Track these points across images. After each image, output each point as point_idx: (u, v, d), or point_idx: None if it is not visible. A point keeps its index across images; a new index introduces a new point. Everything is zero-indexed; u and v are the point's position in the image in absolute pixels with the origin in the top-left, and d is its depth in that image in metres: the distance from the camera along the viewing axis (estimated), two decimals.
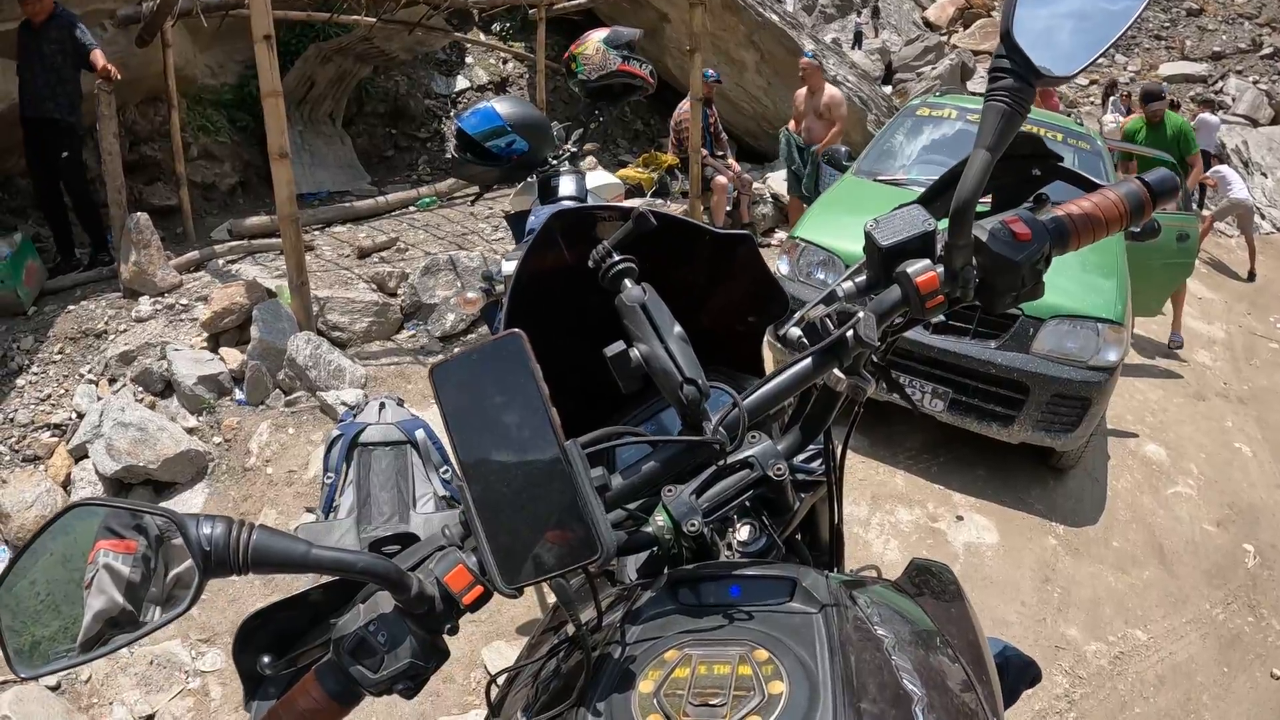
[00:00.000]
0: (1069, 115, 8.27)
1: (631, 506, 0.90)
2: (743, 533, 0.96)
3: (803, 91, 7.57)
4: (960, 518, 4.16)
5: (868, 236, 0.93)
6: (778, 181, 8.81)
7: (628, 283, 0.95)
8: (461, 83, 9.93)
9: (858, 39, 16.47)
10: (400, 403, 3.69)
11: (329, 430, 3.76)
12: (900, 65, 16.10)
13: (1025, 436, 4.19)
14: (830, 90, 7.63)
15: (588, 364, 1.10)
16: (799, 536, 1.22)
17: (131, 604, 0.66)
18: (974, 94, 7.14)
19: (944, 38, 19.03)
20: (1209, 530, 4.54)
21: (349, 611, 0.77)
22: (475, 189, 4.00)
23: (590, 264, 0.97)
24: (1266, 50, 27.52)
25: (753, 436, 0.93)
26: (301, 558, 0.67)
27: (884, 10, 18.11)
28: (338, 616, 0.78)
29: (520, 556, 0.69)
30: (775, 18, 9.54)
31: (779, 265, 4.61)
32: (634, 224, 0.95)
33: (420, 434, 3.49)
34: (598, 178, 3.97)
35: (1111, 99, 14.67)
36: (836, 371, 0.91)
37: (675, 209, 7.50)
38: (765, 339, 1.32)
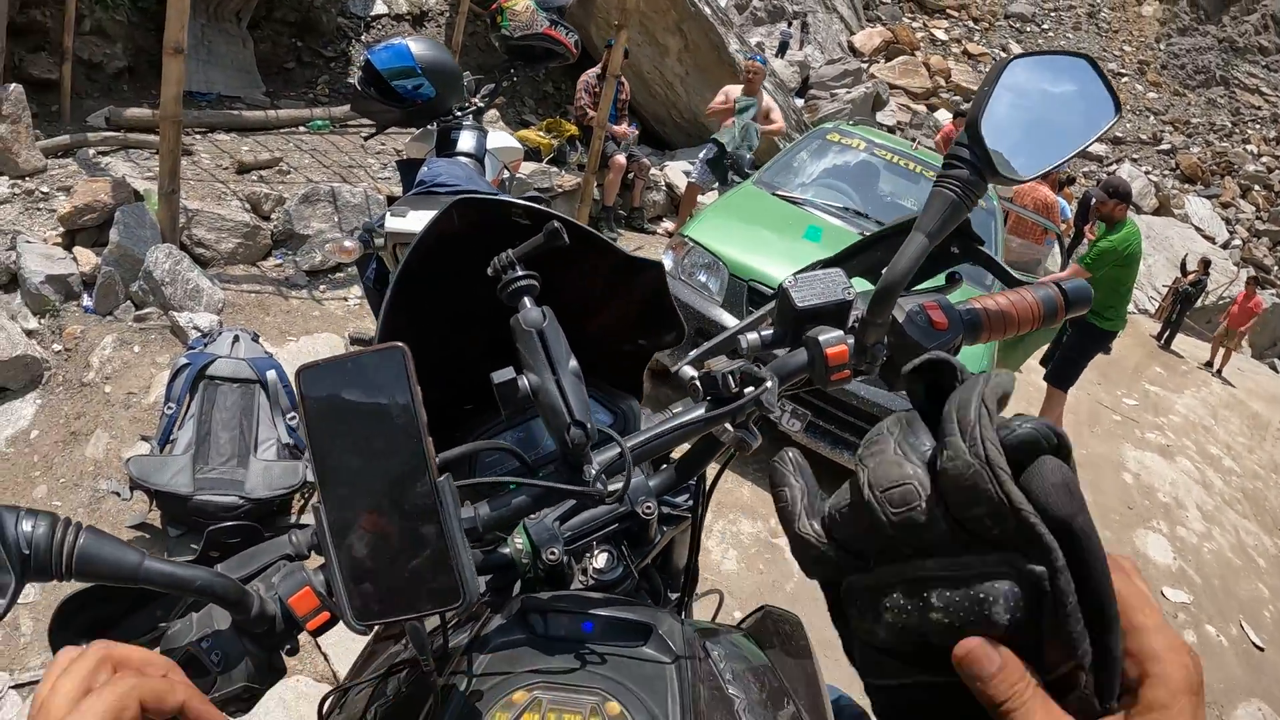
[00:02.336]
0: None
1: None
2: (600, 560, 0.93)
3: (736, 89, 7.52)
4: None
5: (784, 294, 0.90)
6: (675, 171, 8.87)
7: (527, 302, 0.85)
8: (380, 7, 9.54)
9: (783, 48, 16.61)
10: (256, 338, 3.55)
11: (176, 355, 3.57)
12: (817, 82, 16.40)
13: None
14: (768, 99, 7.69)
15: (463, 357, 1.05)
16: (653, 563, 1.20)
17: None
18: (884, 127, 7.28)
19: (865, 65, 19.55)
20: None
21: (177, 616, 0.72)
22: (372, 125, 3.84)
23: (490, 272, 0.87)
24: (1164, 146, 29.51)
25: None
26: (132, 571, 0.62)
27: (813, 25, 18.35)
28: (164, 610, 0.73)
29: (375, 592, 0.63)
30: (708, 10, 9.56)
31: (663, 259, 4.58)
32: (545, 239, 0.85)
33: (272, 375, 3.36)
34: (499, 139, 3.88)
35: None
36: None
37: (569, 180, 7.44)
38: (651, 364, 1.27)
